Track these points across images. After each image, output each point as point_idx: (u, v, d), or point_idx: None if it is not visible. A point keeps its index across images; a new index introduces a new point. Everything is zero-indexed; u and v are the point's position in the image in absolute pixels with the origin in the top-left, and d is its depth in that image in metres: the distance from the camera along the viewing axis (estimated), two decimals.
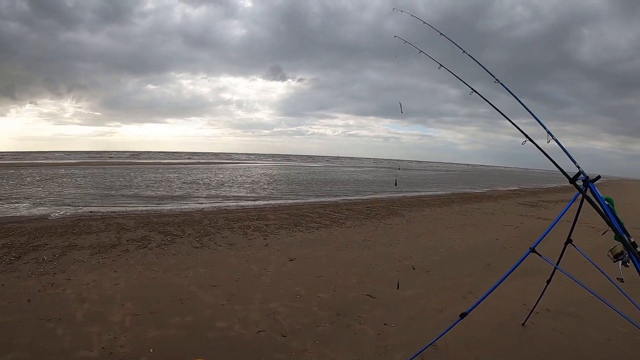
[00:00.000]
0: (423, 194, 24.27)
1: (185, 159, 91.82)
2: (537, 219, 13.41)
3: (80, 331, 4.14)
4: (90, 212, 13.38)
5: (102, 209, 14.10)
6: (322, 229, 10.21)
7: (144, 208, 14.68)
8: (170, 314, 4.57)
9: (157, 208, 14.79)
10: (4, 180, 26.09)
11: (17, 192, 20.17)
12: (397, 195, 22.25)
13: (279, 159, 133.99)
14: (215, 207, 15.24)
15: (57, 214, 12.79)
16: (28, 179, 27.06)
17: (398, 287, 5.36)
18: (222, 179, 32.00)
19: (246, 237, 9.01)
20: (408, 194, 23.30)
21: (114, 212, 13.32)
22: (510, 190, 29.41)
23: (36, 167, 43.34)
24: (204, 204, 16.19)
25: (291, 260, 7.11)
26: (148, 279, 5.90)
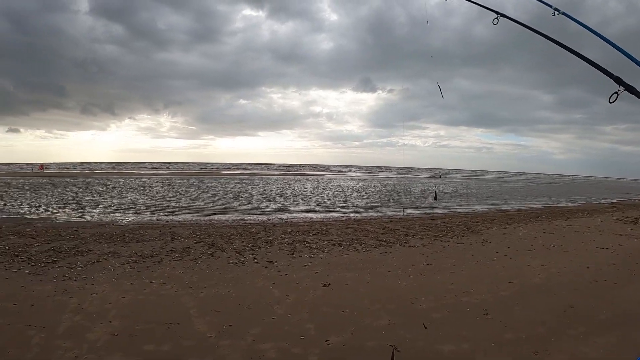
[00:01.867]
0: (509, 207, 24.06)
1: (275, 170, 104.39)
2: (637, 239, 12.68)
3: (52, 344, 4.45)
4: (156, 220, 14.98)
5: (168, 218, 15.77)
6: (381, 248, 9.94)
7: (210, 218, 16.08)
8: (147, 340, 4.60)
9: (222, 218, 16.05)
10: (92, 188, 31.31)
11: (99, 198, 23.90)
12: (481, 209, 22.43)
13: (368, 170, 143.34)
14: (281, 219, 16.00)
15: (123, 221, 14.58)
16: (115, 187, 32.29)
17: (425, 327, 4.72)
18: (304, 190, 34.28)
19: (292, 254, 9.10)
20: (493, 208, 23.41)
21: (178, 221, 14.70)
22: (608, 204, 28.63)
23: (127, 177, 51.62)
24: (272, 216, 17.25)
25: (324, 286, 6.74)
26: (156, 295, 6.11)
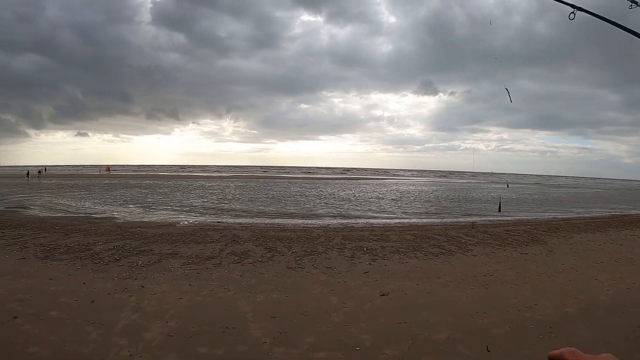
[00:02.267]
0: (575, 215, 23.24)
1: (336, 174, 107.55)
2: None
3: (108, 341, 4.55)
4: (218, 222, 15.40)
5: (229, 220, 16.22)
6: (442, 257, 9.64)
7: (270, 221, 16.33)
8: (202, 342, 4.59)
9: (282, 222, 16.20)
10: (156, 190, 32.98)
11: (163, 200, 25.14)
12: (546, 217, 21.78)
13: (430, 174, 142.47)
14: (341, 224, 16.00)
15: (185, 222, 15.11)
16: (178, 189, 33.89)
17: (488, 350, 4.42)
18: (364, 194, 34.38)
19: (351, 260, 8.98)
20: (558, 216, 22.69)
21: (239, 223, 15.08)
22: None
23: (190, 179, 54.23)
24: (332, 220, 17.32)
25: (382, 295, 6.47)
26: (213, 297, 6.15)
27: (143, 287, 6.62)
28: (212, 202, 24.14)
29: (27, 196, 26.95)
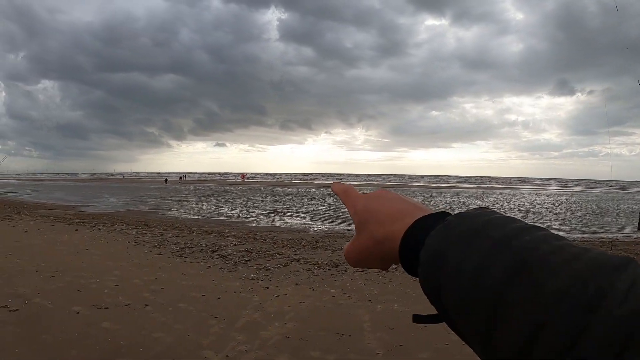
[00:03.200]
0: None
1: (468, 183, 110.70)
2: None
3: (227, 335, 5.10)
4: (347, 229, 15.84)
5: None
6: None
7: None
8: (316, 346, 4.84)
9: None
10: (289, 196, 34.92)
11: (294, 206, 26.67)
12: None
13: (570, 184, 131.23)
14: None
15: (315, 229, 15.88)
16: (311, 196, 35.56)
17: None
18: (494, 206, 32.60)
19: None
20: None
21: None
22: None
23: (322, 187, 55.95)
24: None
25: None
26: (333, 304, 6.41)
27: (267, 288, 7.20)
28: (342, 211, 24.93)
29: (167, 199, 31.18)
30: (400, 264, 0.55)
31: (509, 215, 0.46)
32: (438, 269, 0.45)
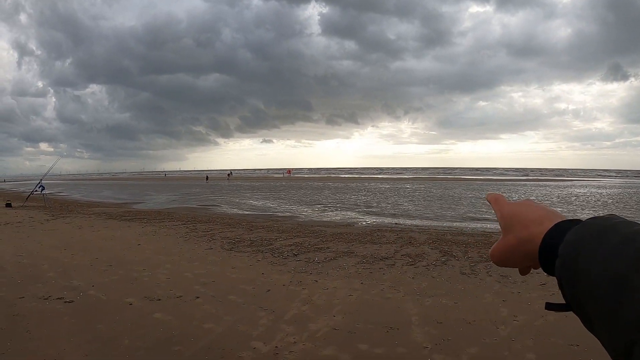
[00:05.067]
0: None
1: (515, 175, 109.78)
2: None
3: (276, 327, 5.19)
4: (395, 223, 15.76)
5: (407, 222, 16.38)
6: None
7: (448, 224, 16.10)
8: (364, 339, 4.84)
9: (460, 225, 15.82)
10: (336, 191, 35.04)
11: (342, 200, 26.74)
12: None
13: (625, 175, 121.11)
14: None
15: (363, 223, 15.90)
16: (357, 190, 35.77)
17: None
18: (541, 199, 30.78)
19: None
20: None
21: (416, 225, 15.20)
22: None
23: (368, 181, 56.09)
24: None
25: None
26: (381, 297, 6.38)
27: (316, 281, 7.26)
28: (390, 204, 24.79)
29: (217, 196, 32.00)
30: (539, 267, 0.68)
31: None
32: (574, 258, 0.54)
